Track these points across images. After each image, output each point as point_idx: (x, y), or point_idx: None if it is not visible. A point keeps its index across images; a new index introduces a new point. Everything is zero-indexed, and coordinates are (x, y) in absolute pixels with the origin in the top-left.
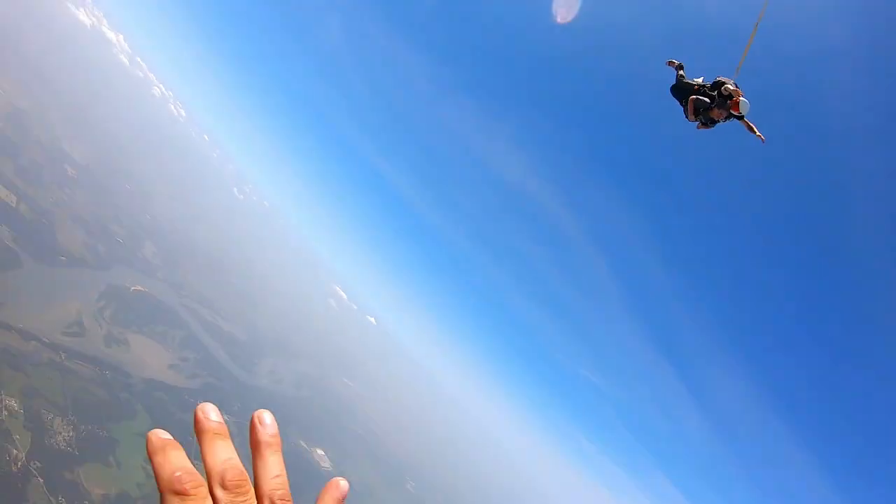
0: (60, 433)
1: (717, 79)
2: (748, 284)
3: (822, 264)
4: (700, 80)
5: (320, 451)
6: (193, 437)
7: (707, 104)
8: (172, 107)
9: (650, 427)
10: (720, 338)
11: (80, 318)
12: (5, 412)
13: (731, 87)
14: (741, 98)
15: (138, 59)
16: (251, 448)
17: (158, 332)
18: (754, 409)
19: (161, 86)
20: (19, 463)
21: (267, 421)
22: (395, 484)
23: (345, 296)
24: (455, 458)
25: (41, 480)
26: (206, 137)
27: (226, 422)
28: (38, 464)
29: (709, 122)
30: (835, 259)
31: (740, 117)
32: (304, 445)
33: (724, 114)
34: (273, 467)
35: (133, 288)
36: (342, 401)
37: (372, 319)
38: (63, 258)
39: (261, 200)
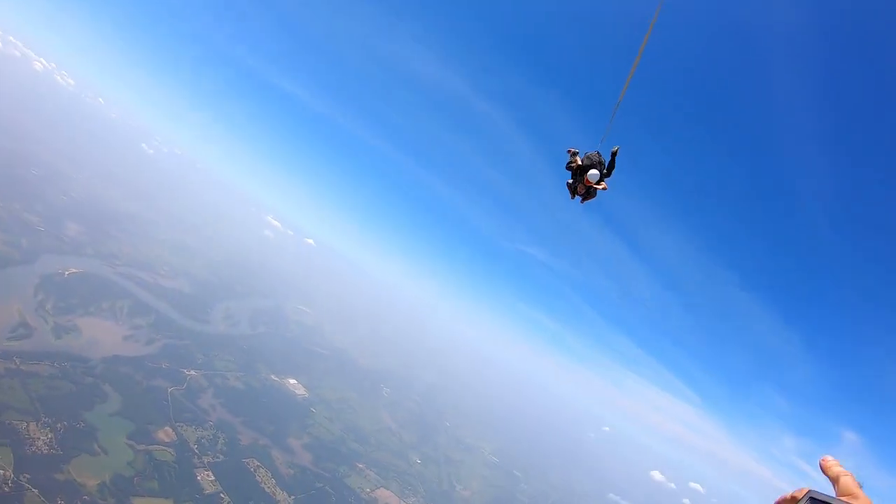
0: (39, 438)
1: (587, 155)
2: (675, 143)
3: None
4: (579, 161)
5: (292, 381)
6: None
7: (573, 184)
8: (58, 77)
9: (605, 296)
10: (657, 196)
11: (22, 319)
12: None
13: (579, 162)
14: (589, 173)
15: (11, 38)
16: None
17: (105, 309)
18: (701, 263)
19: (41, 59)
20: (9, 481)
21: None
22: (370, 393)
23: (279, 224)
24: (423, 357)
25: (35, 491)
26: (101, 100)
27: (199, 377)
28: (28, 475)
29: (585, 195)
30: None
31: (593, 186)
32: (276, 379)
33: (584, 188)
34: None
35: (67, 272)
36: (301, 327)
37: (310, 241)
38: None
39: (172, 150)
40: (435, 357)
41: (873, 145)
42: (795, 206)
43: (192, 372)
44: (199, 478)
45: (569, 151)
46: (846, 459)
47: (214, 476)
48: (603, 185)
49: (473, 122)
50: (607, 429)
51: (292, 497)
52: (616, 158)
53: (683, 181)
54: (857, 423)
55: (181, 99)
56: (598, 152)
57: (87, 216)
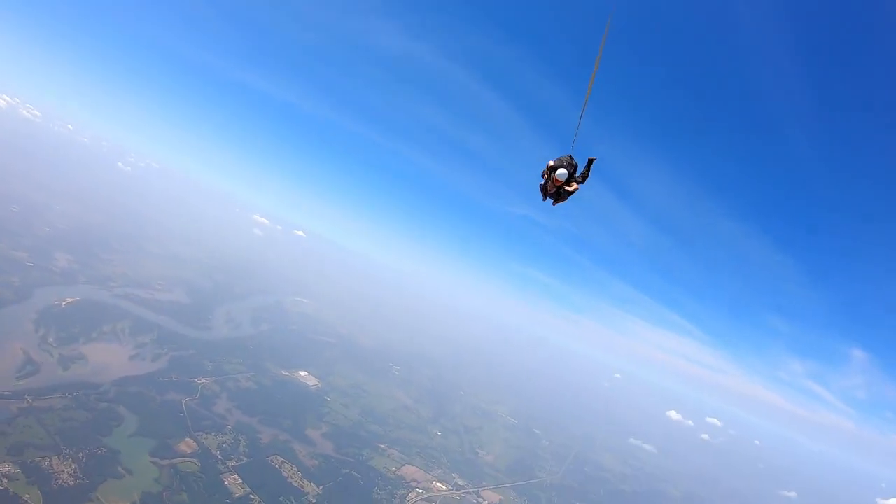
0: (63, 471)
1: (559, 158)
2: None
3: None
4: (551, 163)
5: (303, 373)
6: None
7: (545, 184)
8: (24, 111)
9: (597, 244)
10: (637, 137)
11: (27, 356)
12: (5, 480)
13: (550, 164)
14: (557, 171)
15: None
16: None
17: (107, 333)
18: (687, 198)
19: (4, 96)
20: None
21: None
22: (381, 374)
23: (267, 221)
24: (427, 331)
25: None
26: (69, 127)
27: (210, 384)
28: None
29: (556, 197)
30: None
31: (564, 186)
32: (286, 373)
33: (553, 188)
34: None
35: (64, 303)
36: (303, 318)
37: (300, 233)
38: None
39: (149, 164)
40: (439, 329)
41: (846, 60)
42: (774, 127)
43: (203, 380)
44: (226, 483)
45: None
46: (857, 377)
47: (241, 479)
48: (574, 185)
49: (445, 89)
50: (618, 376)
51: (321, 487)
52: (592, 167)
53: (662, 117)
54: (862, 339)
55: (149, 111)
56: (570, 155)
57: (75, 244)
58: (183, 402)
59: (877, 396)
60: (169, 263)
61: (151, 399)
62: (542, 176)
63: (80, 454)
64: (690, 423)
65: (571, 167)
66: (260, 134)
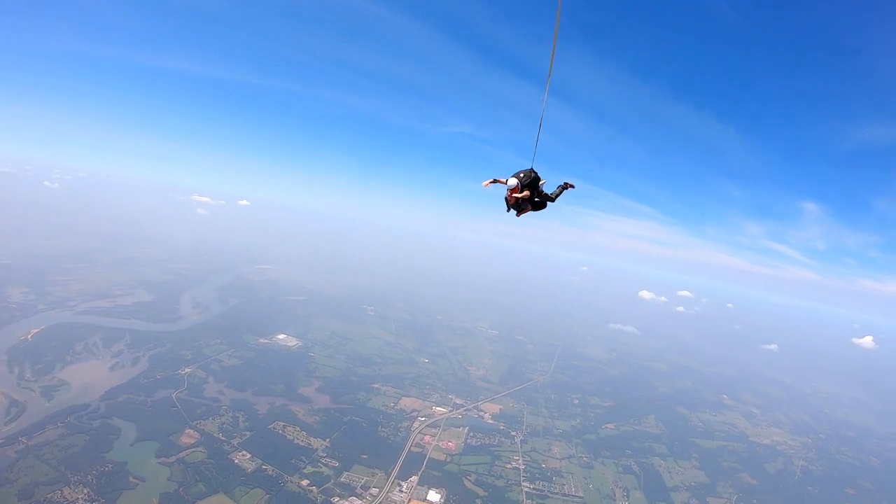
0: (77, 499)
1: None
2: None
3: None
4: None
5: (281, 336)
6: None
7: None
8: None
9: (542, 147)
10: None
11: (9, 398)
12: None
13: (513, 182)
14: (509, 181)
15: None
16: None
17: (80, 352)
18: (622, 85)
19: None
20: None
21: None
22: (357, 318)
23: (208, 199)
24: (391, 266)
25: None
26: None
27: (195, 371)
28: None
29: (517, 209)
30: None
31: (522, 196)
32: (265, 341)
33: (513, 200)
34: None
35: (30, 335)
36: (269, 284)
37: (244, 202)
38: None
39: (76, 175)
40: (401, 262)
41: None
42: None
43: (187, 370)
44: (236, 461)
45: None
46: (813, 230)
47: (250, 454)
48: (525, 193)
49: (353, 22)
50: (585, 268)
51: (328, 440)
52: (564, 192)
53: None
54: (813, 193)
55: (59, 121)
56: (531, 169)
57: (24, 274)
58: (173, 396)
59: (835, 245)
60: (122, 268)
61: (142, 403)
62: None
63: (89, 477)
64: (664, 299)
65: (527, 178)
66: (176, 114)
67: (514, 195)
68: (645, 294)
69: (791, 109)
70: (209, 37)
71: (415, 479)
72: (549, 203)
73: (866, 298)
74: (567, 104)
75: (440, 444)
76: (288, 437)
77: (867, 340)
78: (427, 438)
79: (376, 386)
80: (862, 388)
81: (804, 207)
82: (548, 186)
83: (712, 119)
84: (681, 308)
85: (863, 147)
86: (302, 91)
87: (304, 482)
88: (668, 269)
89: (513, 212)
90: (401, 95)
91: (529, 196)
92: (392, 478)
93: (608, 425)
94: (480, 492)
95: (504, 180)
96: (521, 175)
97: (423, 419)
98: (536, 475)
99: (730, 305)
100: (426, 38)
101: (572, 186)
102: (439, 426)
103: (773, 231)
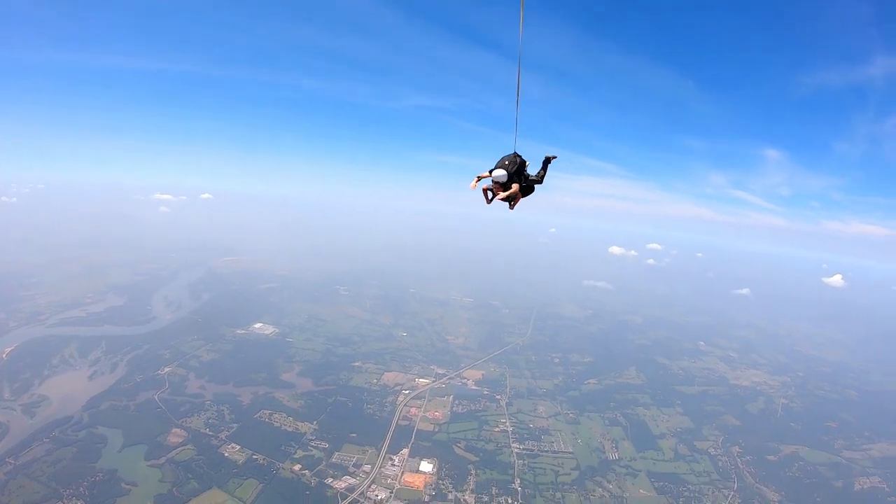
0: None
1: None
2: None
3: None
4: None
5: (258, 325)
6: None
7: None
8: None
9: (499, 114)
10: None
11: None
12: None
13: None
14: (494, 173)
15: None
16: None
17: (57, 365)
18: (578, 43)
19: None
20: None
21: None
22: (331, 300)
23: (170, 196)
24: (358, 248)
25: None
26: None
27: (174, 370)
28: None
29: (510, 200)
30: None
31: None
32: (242, 331)
33: (502, 197)
34: None
35: (4, 354)
36: (239, 276)
37: (207, 195)
38: None
39: (35, 187)
40: (369, 241)
41: None
42: None
43: (167, 369)
44: (227, 454)
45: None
46: (776, 176)
47: (239, 445)
48: (514, 188)
49: (308, 4)
50: (553, 230)
51: (315, 422)
52: (549, 165)
53: None
54: (773, 139)
55: (13, 135)
56: (514, 153)
57: None
58: (156, 397)
59: (799, 190)
60: (90, 275)
61: (125, 408)
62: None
63: (81, 489)
64: (634, 253)
65: (513, 165)
66: (126, 114)
67: (503, 194)
68: (615, 250)
69: (747, 60)
70: (145, 29)
71: (406, 451)
72: (536, 186)
73: (833, 239)
74: (523, 66)
75: (427, 414)
76: (275, 424)
77: (836, 279)
78: (413, 410)
79: (357, 364)
80: (835, 325)
81: (766, 155)
82: (531, 167)
83: (671, 73)
84: (651, 261)
85: (818, 92)
86: (253, 77)
87: (297, 467)
88: (637, 225)
89: (498, 202)
90: (355, 73)
91: (519, 187)
92: (383, 453)
93: (590, 381)
94: (472, 457)
95: (488, 174)
96: (507, 163)
97: (407, 392)
98: (525, 435)
99: (699, 255)
100: (377, 12)
101: (555, 157)
102: (424, 397)
103: (737, 180)
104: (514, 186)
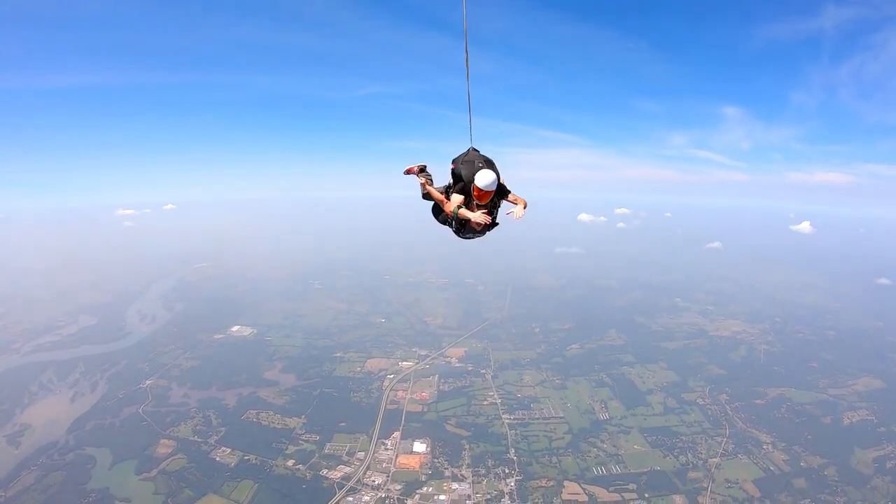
0: None
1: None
2: None
3: None
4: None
5: (235, 328)
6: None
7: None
8: None
9: (454, 95)
10: None
11: None
12: None
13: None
14: (478, 175)
15: None
16: None
17: (36, 392)
18: (525, 15)
19: None
20: None
21: None
22: (306, 295)
23: (133, 210)
24: (327, 241)
25: None
26: None
27: (156, 382)
28: None
29: (477, 230)
30: None
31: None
32: (221, 336)
33: (479, 195)
34: None
35: None
36: (211, 281)
37: (170, 206)
38: None
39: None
40: (337, 233)
41: None
42: None
43: (148, 382)
44: (218, 459)
45: (411, 170)
46: (736, 132)
47: (230, 448)
48: (520, 201)
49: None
50: None
51: (303, 417)
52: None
53: None
54: (730, 96)
55: None
56: (472, 148)
57: None
58: (140, 411)
59: (759, 143)
60: (60, 299)
61: (110, 425)
62: (426, 197)
63: None
64: (603, 218)
65: (491, 164)
66: (76, 133)
67: (473, 216)
68: (584, 217)
69: (697, 18)
70: (75, 44)
71: (397, 434)
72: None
73: (798, 189)
74: (472, 44)
75: (414, 396)
76: (263, 423)
77: (804, 226)
78: (400, 394)
79: (339, 355)
80: (807, 270)
81: (724, 112)
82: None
83: (621, 37)
84: (621, 224)
85: (770, 45)
86: (200, 80)
87: (290, 462)
88: (603, 192)
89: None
90: (305, 66)
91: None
92: (375, 438)
93: (572, 346)
94: (464, 432)
95: (453, 165)
96: (480, 161)
97: (392, 376)
98: (514, 406)
99: (668, 215)
100: (321, 2)
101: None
102: (409, 380)
103: (698, 139)
104: (484, 217)
